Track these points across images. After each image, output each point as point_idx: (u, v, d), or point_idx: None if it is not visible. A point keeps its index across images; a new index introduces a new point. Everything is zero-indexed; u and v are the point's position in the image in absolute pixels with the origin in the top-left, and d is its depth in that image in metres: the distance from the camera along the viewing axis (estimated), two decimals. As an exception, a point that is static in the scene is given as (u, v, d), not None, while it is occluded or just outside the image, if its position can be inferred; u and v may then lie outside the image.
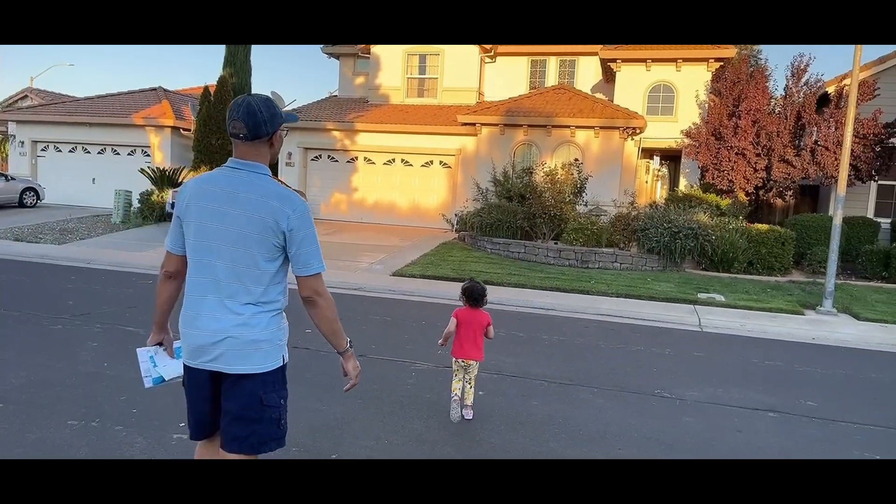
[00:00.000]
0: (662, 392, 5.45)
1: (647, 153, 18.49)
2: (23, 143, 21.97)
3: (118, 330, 6.61)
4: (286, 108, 21.39)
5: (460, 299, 4.75)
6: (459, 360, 4.59)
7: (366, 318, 7.97)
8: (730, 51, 16.72)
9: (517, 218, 14.01)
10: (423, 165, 18.94)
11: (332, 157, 19.81)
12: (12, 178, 19.15)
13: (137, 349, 2.72)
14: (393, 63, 20.17)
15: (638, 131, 16.62)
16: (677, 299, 9.96)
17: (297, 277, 2.44)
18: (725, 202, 14.49)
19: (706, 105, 16.80)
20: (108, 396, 4.65)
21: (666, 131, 17.47)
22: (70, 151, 21.84)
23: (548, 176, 14.15)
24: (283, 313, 2.52)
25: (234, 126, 2.32)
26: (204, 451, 2.59)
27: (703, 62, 17.02)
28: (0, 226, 15.23)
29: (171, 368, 2.69)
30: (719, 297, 10.07)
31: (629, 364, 6.34)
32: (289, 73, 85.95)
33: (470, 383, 4.62)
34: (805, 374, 6.36)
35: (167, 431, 4.08)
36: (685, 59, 17.11)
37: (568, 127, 16.68)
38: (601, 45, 18.72)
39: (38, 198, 19.33)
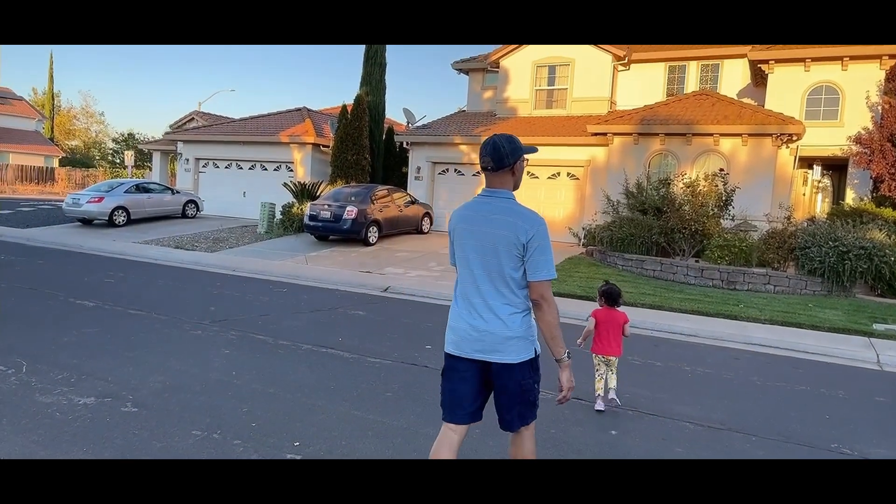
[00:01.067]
0: (841, 447, 4.54)
1: (806, 163, 16.69)
2: (188, 160, 24.20)
3: (250, 338, 6.79)
4: (417, 124, 21.80)
5: (598, 301, 5.31)
6: (601, 357, 5.10)
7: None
8: (909, 45, 14.69)
9: (652, 232, 13.09)
10: (549, 177, 18.40)
11: (459, 171, 19.81)
12: (177, 192, 21.01)
13: None
14: (521, 75, 19.86)
15: (794, 138, 15.01)
16: (848, 330, 8.67)
17: (530, 283, 2.82)
18: (904, 217, 12.62)
19: (879, 108, 14.86)
20: (231, 407, 4.67)
21: (828, 138, 15.67)
22: (226, 167, 23.69)
23: (688, 187, 13.10)
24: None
25: (483, 161, 2.89)
26: (454, 435, 2.96)
27: (876, 59, 15.06)
28: (165, 234, 16.71)
29: None
30: (900, 329, 8.66)
31: (793, 407, 5.44)
32: (421, 90, 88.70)
33: (613, 371, 5.10)
34: None
35: (282, 450, 3.98)
36: (852, 57, 15.25)
37: (711, 135, 15.41)
38: (750, 46, 17.26)
39: (198, 209, 21.05)
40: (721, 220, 13.06)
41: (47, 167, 39.23)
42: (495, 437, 3.99)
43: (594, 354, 5.10)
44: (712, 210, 12.78)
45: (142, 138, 50.14)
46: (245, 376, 5.44)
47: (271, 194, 19.93)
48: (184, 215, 20.32)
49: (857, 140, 14.10)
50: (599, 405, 5.02)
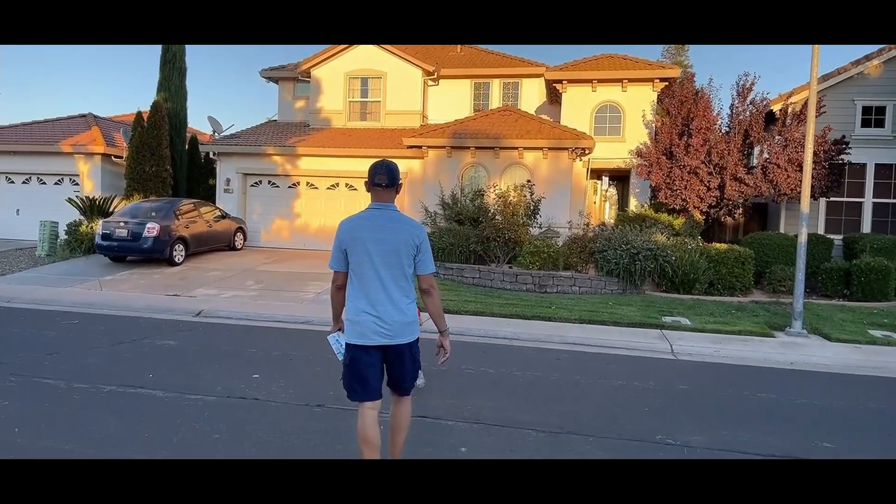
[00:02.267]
0: (665, 438, 4.93)
1: (595, 174, 18.49)
2: (-62, 172, 20.25)
3: (34, 383, 5.75)
4: (224, 133, 20.49)
5: None
6: None
7: (316, 356, 7.27)
8: (674, 70, 16.95)
9: (470, 242, 13.59)
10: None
11: (273, 183, 18.98)
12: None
13: (328, 336, 3.82)
14: (334, 86, 19.61)
15: (587, 151, 16.56)
16: (643, 324, 9.66)
17: (418, 276, 3.63)
18: (679, 221, 14.46)
19: (653, 125, 16.92)
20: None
21: (614, 151, 17.50)
22: (-9, 181, 20.25)
23: (500, 198, 13.81)
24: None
25: (378, 178, 3.56)
26: (372, 412, 3.57)
27: (649, 82, 17.17)
28: None
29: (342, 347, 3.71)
30: (685, 321, 9.85)
31: (617, 403, 5.85)
32: (226, 97, 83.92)
33: None
34: (802, 407, 6.00)
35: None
36: (631, 80, 17.24)
37: (516, 148, 16.46)
38: (546, 67, 18.77)
39: (-47, 231, 17.75)
40: (530, 228, 13.93)
41: None
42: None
43: None
44: (522, 219, 13.60)
45: None
46: (32, 432, 4.57)
47: (53, 211, 17.45)
48: (-66, 239, 17.02)
49: (639, 153, 15.91)
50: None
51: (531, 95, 19.78)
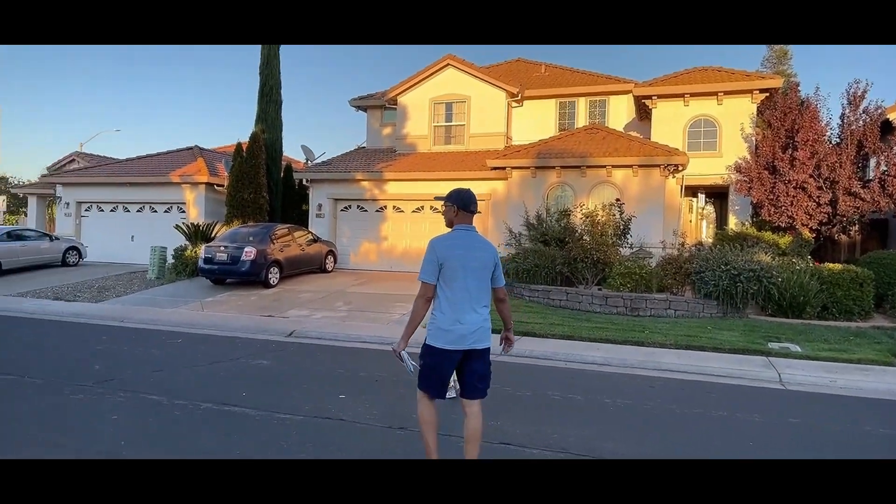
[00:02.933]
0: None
1: (690, 191, 17.73)
2: (68, 204, 22.30)
3: (141, 399, 6.05)
4: (316, 161, 21.32)
5: None
6: None
7: (399, 378, 7.22)
8: (776, 80, 16.06)
9: (556, 263, 13.29)
10: (454, 212, 18.41)
11: (361, 207, 19.48)
12: (56, 238, 19.25)
13: (401, 352, 4.03)
14: (419, 112, 19.97)
15: (680, 168, 15.92)
16: (747, 350, 9.04)
17: (495, 288, 4.11)
18: (785, 240, 13.54)
19: (753, 138, 16.06)
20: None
21: (709, 167, 16.74)
22: (111, 210, 22.02)
23: (587, 217, 13.46)
24: None
25: (473, 207, 4.11)
26: (434, 403, 4.08)
27: (747, 94, 16.35)
28: (42, 285, 15.11)
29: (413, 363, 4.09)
30: (795, 348, 9.12)
31: (717, 436, 5.45)
32: (319, 128, 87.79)
33: None
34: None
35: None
36: (727, 92, 16.48)
37: (604, 167, 16.06)
38: (634, 83, 18.30)
39: (81, 256, 19.36)
40: (620, 249, 13.47)
41: None
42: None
43: None
44: (612, 239, 13.18)
45: (16, 182, 46.00)
46: (137, 446, 4.78)
47: (162, 237, 18.66)
48: (64, 263, 18.60)
49: (738, 168, 15.12)
50: (452, 394, 5.21)
51: (619, 113, 19.32)
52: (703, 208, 18.66)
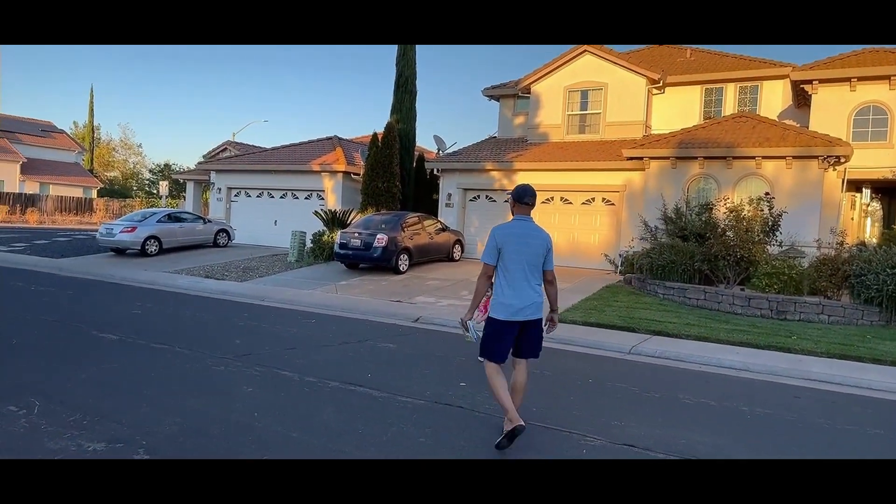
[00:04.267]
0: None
1: (853, 185, 15.96)
2: (220, 189, 24.37)
3: (274, 374, 6.46)
4: (447, 151, 21.62)
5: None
6: None
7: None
8: (964, 61, 13.99)
9: (694, 260, 12.49)
10: (583, 203, 17.93)
11: (490, 197, 19.48)
12: (209, 221, 21.09)
13: (468, 321, 4.74)
14: (553, 100, 19.56)
15: (842, 160, 14.35)
16: (914, 364, 8.01)
17: (545, 271, 4.71)
18: (967, 242, 11.81)
19: (933, 127, 14.13)
20: (251, 455, 4.31)
21: (877, 160, 14.99)
22: (258, 196, 23.78)
23: (731, 212, 12.50)
24: None
25: (529, 199, 4.76)
26: (498, 367, 4.64)
27: (928, 76, 14.40)
28: (195, 263, 16.67)
29: (479, 332, 4.82)
30: (975, 364, 7.95)
31: (871, 455, 4.87)
32: (451, 118, 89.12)
33: None
34: None
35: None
36: (903, 75, 14.61)
37: (753, 158, 14.83)
38: (791, 66, 16.74)
39: (230, 238, 21.09)
40: (767, 247, 12.41)
41: (86, 198, 40.18)
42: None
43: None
44: (758, 236, 12.16)
45: (177, 168, 51.09)
46: (268, 418, 5.10)
47: (302, 223, 19.85)
48: (215, 244, 20.35)
49: (912, 161, 13.39)
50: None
51: (772, 99, 17.78)
52: (867, 204, 16.76)
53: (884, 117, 15.15)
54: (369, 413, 5.34)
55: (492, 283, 4.69)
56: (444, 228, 17.75)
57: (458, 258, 17.91)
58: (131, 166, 58.09)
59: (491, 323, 4.63)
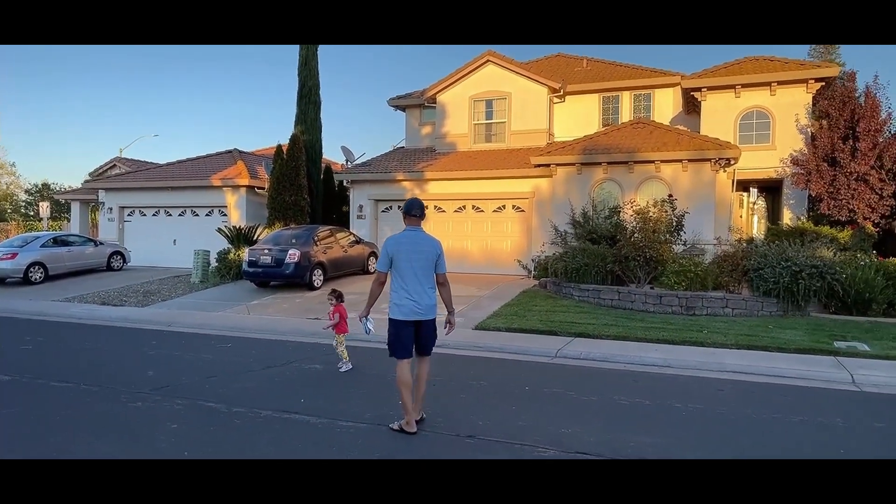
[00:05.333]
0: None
1: (741, 186, 17.15)
2: (111, 209, 22.70)
3: (199, 407, 5.98)
4: (356, 162, 21.28)
5: (332, 301, 8.15)
6: (343, 335, 7.92)
7: (458, 381, 7.10)
8: (833, 69, 15.40)
9: (606, 261, 12.93)
10: (494, 211, 18.20)
11: (402, 208, 19.32)
12: (101, 243, 19.60)
13: (362, 319, 5.49)
14: (459, 110, 19.77)
15: (732, 162, 15.39)
16: (813, 350, 8.62)
17: (437, 274, 5.29)
18: (845, 234, 12.97)
19: (809, 129, 15.44)
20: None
21: (762, 161, 16.18)
22: (153, 215, 22.36)
23: (638, 214, 13.07)
24: None
25: (417, 211, 5.29)
26: (408, 364, 5.20)
27: (802, 84, 15.72)
28: (89, 290, 15.38)
29: (372, 328, 5.64)
30: (863, 347, 8.67)
31: (804, 444, 5.10)
32: (358, 128, 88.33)
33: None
34: None
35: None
36: (781, 82, 15.89)
37: (652, 162, 15.62)
38: (681, 75, 17.80)
39: (125, 261, 19.70)
40: (673, 246, 13.06)
41: (-50, 223, 36.28)
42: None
43: (339, 335, 7.84)
44: (664, 236, 12.77)
45: (58, 188, 47.31)
46: (200, 455, 4.68)
47: (205, 241, 18.86)
48: (109, 268, 18.95)
49: (793, 161, 14.55)
50: (347, 367, 7.68)
51: (664, 106, 18.83)
52: (754, 203, 18.06)
53: (766, 121, 16.39)
54: (310, 442, 5.03)
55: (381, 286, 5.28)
56: (358, 241, 17.42)
57: (373, 270, 17.60)
58: (4, 187, 53.13)
59: (391, 323, 5.18)
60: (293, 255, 14.50)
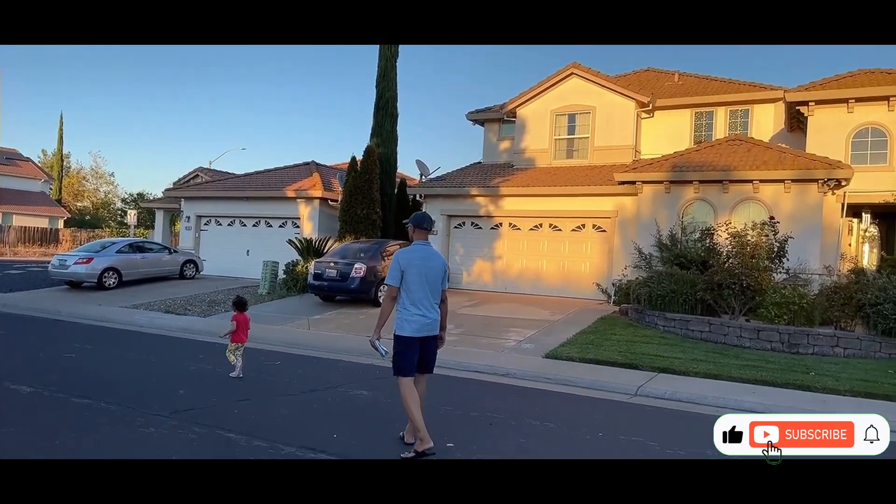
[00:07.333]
0: None
1: (850, 210, 15.29)
2: (189, 217, 23.17)
3: (216, 437, 5.29)
4: (430, 176, 20.74)
5: (235, 308, 8.15)
6: (238, 344, 7.82)
7: (521, 421, 6.15)
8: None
9: (696, 289, 11.60)
10: (573, 230, 17.09)
11: (476, 224, 18.56)
12: (175, 251, 19.92)
13: (375, 341, 5.13)
14: (539, 124, 18.82)
15: (843, 183, 13.67)
16: (954, 404, 7.12)
17: (442, 290, 5.24)
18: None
19: (937, 148, 13.54)
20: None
21: (876, 183, 14.36)
22: (229, 224, 22.62)
23: (734, 238, 11.68)
24: None
25: (428, 225, 5.28)
26: (412, 381, 5.12)
27: (928, 96, 13.85)
28: (157, 297, 15.44)
29: (387, 349, 5.19)
30: None
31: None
32: (434, 142, 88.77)
33: (241, 353, 7.83)
34: None
35: None
36: (901, 95, 14.06)
37: (750, 181, 14.11)
38: (784, 89, 16.19)
39: (198, 269, 19.88)
40: (774, 274, 11.58)
41: (51, 228, 38.64)
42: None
43: (233, 343, 7.75)
44: (764, 262, 11.32)
45: (150, 197, 49.78)
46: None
47: (276, 252, 18.71)
48: (182, 276, 19.13)
49: (919, 183, 12.73)
50: (238, 373, 7.57)
51: (764, 123, 17.21)
52: (865, 230, 16.10)
53: (883, 139, 14.57)
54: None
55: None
56: (427, 257, 16.73)
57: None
58: (102, 195, 56.50)
59: (398, 340, 5.00)
60: (359, 269, 13.98)
